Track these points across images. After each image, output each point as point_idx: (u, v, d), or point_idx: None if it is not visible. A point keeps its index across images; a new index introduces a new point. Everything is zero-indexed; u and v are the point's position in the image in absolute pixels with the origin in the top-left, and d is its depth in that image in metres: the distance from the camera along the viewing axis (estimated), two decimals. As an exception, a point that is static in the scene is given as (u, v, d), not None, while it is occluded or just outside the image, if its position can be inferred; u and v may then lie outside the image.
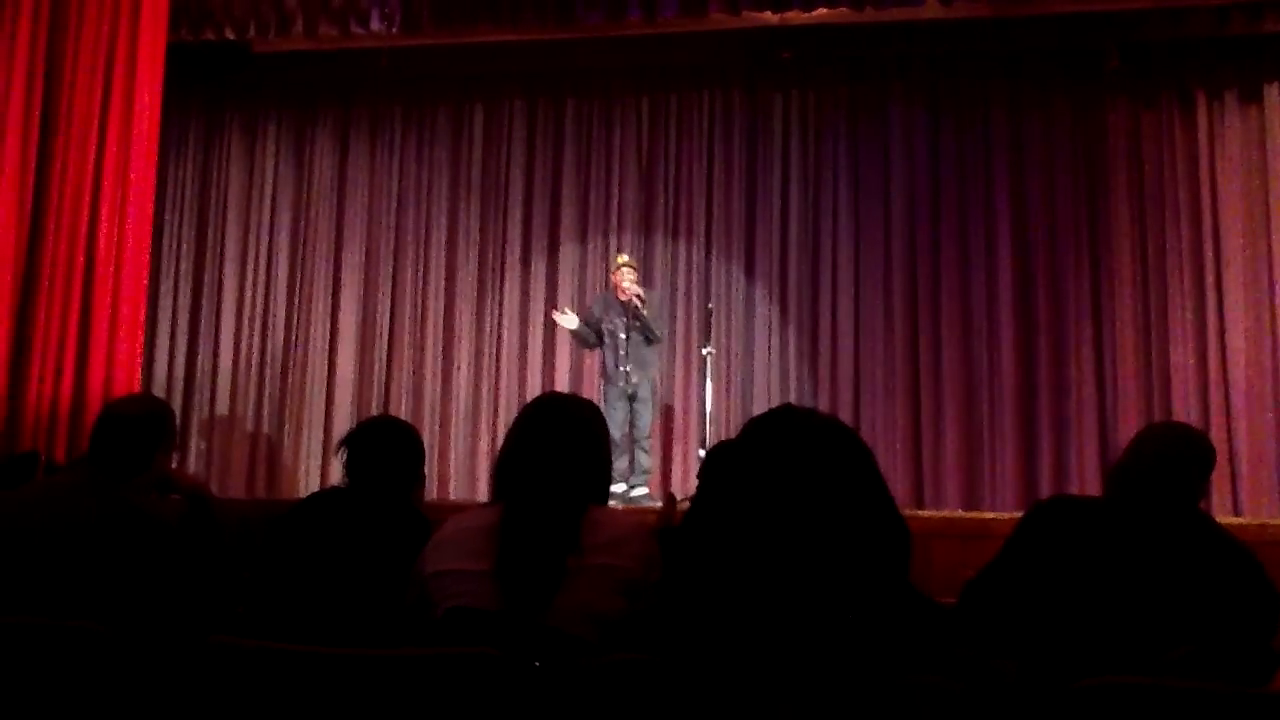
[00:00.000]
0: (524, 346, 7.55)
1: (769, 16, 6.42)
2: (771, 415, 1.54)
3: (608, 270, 7.27)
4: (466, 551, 1.88)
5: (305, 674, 1.66)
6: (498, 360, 7.56)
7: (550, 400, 2.14)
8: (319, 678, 1.65)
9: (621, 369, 6.14)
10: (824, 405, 6.81)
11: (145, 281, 5.86)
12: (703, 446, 6.40)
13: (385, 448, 2.41)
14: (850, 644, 1.33)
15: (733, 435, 1.57)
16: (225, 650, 1.69)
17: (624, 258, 6.46)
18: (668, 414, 7.21)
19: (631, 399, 6.19)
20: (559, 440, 1.97)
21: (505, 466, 1.99)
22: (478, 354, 7.59)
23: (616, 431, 6.08)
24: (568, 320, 6.47)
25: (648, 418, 6.29)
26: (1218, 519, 2.31)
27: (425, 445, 2.56)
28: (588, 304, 7.00)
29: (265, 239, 7.86)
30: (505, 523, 1.87)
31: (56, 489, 2.34)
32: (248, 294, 7.83)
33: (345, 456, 2.40)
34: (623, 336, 6.17)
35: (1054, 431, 6.77)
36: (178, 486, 2.57)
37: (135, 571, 2.17)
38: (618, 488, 6.15)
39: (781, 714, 1.29)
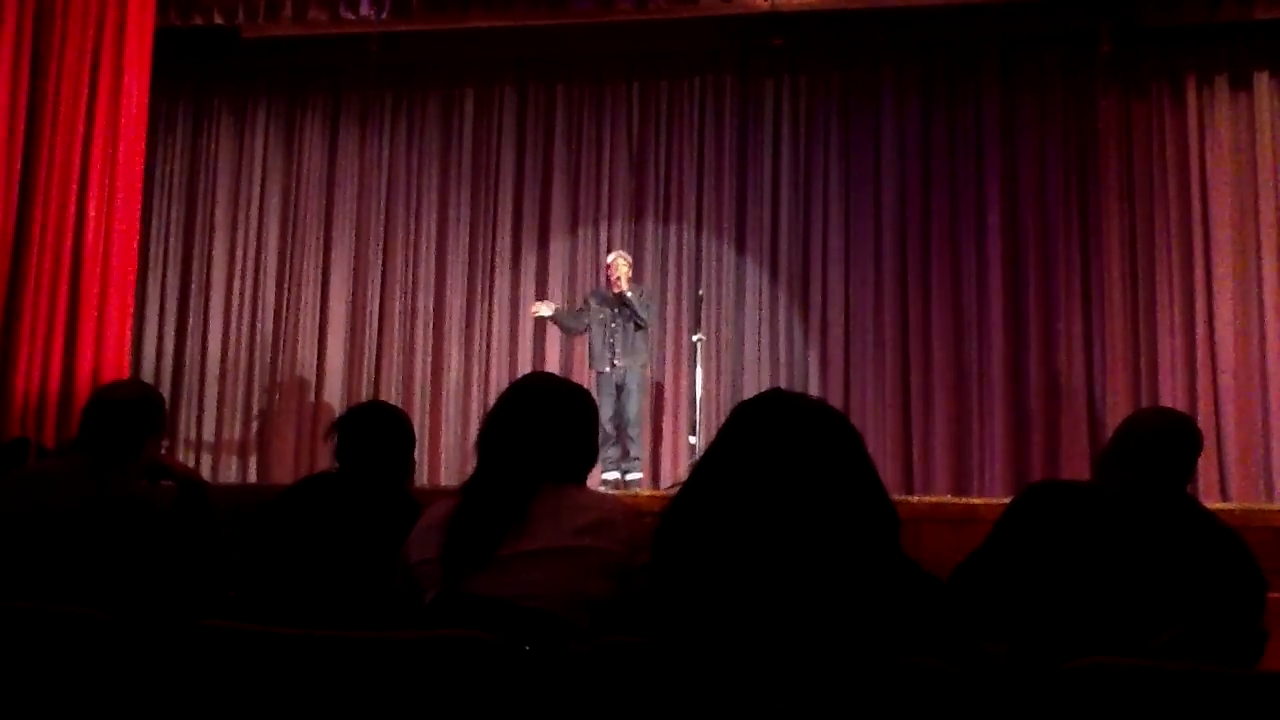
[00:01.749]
0: (514, 332, 7.54)
1: (760, 2, 6.43)
2: (761, 398, 1.55)
3: (598, 256, 7.29)
4: (439, 539, 1.88)
5: (297, 658, 1.66)
6: (488, 346, 7.55)
7: (526, 380, 2.11)
8: (311, 661, 1.65)
9: (609, 357, 6.25)
10: (813, 390, 6.82)
11: (134, 267, 5.84)
12: (692, 433, 6.43)
13: (376, 433, 2.41)
14: (842, 625, 1.33)
15: (722, 421, 1.57)
16: (217, 634, 1.69)
17: (620, 252, 6.54)
18: (658, 400, 7.22)
19: (620, 388, 6.23)
20: (524, 419, 1.95)
21: (477, 446, 1.99)
22: (468, 339, 7.58)
23: (607, 421, 6.13)
24: (544, 308, 6.54)
25: (636, 406, 6.32)
26: (1205, 504, 2.32)
27: (415, 431, 2.55)
28: (577, 290, 6.99)
29: (254, 224, 7.83)
30: (458, 508, 1.87)
31: (48, 475, 2.34)
32: (237, 279, 7.80)
33: (335, 441, 2.39)
34: (613, 325, 6.26)
35: (1043, 416, 6.79)
36: (169, 473, 2.56)
37: (128, 557, 2.17)
38: (612, 474, 6.19)
39: (775, 695, 1.30)
